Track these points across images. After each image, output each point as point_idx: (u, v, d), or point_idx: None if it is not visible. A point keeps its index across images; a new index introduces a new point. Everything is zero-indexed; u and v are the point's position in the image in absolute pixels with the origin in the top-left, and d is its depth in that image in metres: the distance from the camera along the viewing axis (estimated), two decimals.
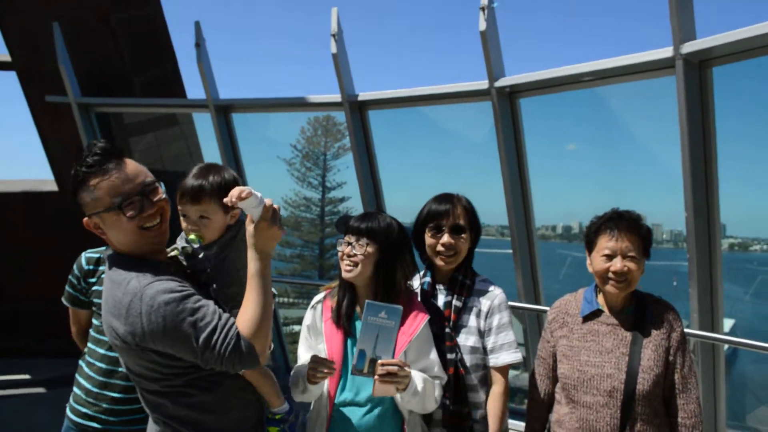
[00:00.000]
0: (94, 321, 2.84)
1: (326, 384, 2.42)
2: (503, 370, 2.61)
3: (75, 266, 2.91)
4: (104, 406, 2.73)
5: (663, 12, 4.12)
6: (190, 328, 1.89)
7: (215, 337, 1.90)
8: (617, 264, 2.47)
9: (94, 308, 2.85)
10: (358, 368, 2.26)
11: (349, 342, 2.45)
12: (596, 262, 2.53)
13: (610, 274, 2.48)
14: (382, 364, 2.22)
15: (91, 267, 2.87)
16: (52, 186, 8.15)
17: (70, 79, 7.20)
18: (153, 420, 2.12)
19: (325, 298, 2.58)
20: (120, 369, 2.72)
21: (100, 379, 2.75)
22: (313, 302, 2.61)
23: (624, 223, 2.50)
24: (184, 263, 2.23)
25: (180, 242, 2.28)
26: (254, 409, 2.23)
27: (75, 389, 2.82)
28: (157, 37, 7.85)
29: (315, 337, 2.53)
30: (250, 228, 1.98)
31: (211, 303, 1.97)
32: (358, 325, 2.39)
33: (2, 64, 8.13)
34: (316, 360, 2.30)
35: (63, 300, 2.96)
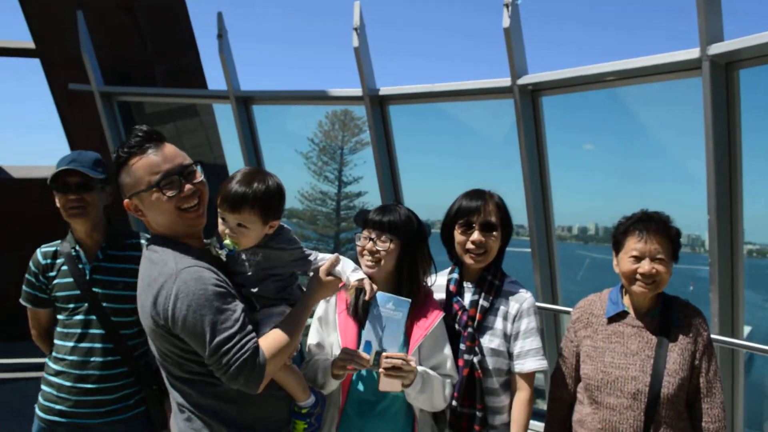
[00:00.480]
0: (60, 316, 2.80)
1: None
2: (529, 377, 2.54)
3: (31, 264, 2.85)
4: (78, 399, 2.72)
5: (690, 12, 4.08)
6: (208, 327, 1.89)
7: (229, 345, 1.91)
8: (645, 266, 2.43)
9: (58, 304, 2.80)
10: None
11: (362, 334, 2.39)
12: (624, 263, 2.49)
13: (638, 276, 2.45)
14: (387, 357, 2.19)
15: (49, 261, 2.83)
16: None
17: (92, 67, 7.26)
18: (177, 408, 2.11)
19: (339, 290, 2.54)
20: (93, 359, 2.73)
21: (74, 372, 2.73)
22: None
23: (653, 224, 2.47)
24: (221, 257, 2.20)
25: (214, 241, 2.24)
26: (280, 407, 2.20)
27: (44, 387, 2.80)
28: (179, 28, 7.89)
29: (326, 328, 2.50)
30: (323, 278, 2.17)
31: (239, 309, 1.97)
32: None
33: (26, 51, 8.22)
34: (348, 352, 2.26)
35: (21, 301, 2.89)
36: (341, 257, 2.21)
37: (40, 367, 2.88)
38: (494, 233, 2.56)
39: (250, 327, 1.98)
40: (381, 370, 2.20)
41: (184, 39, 7.98)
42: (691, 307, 2.55)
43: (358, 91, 6.04)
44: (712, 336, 3.61)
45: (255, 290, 2.15)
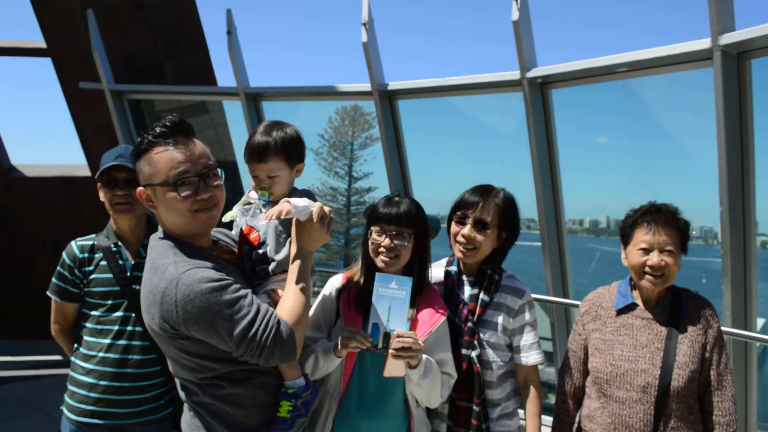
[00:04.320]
0: (93, 312, 2.75)
1: (340, 368, 2.37)
2: (534, 369, 2.58)
3: (66, 256, 2.80)
4: (113, 398, 2.67)
5: (701, 2, 4.04)
6: (226, 322, 1.89)
7: (255, 327, 1.91)
8: (654, 258, 2.42)
9: (92, 299, 2.76)
10: (373, 344, 2.21)
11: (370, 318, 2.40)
12: (632, 255, 2.48)
13: (647, 269, 2.44)
14: (398, 336, 2.18)
15: (86, 255, 2.78)
16: (85, 171, 8.30)
17: (103, 66, 7.30)
18: (187, 406, 2.13)
19: (344, 286, 2.50)
20: (130, 357, 2.69)
21: (110, 370, 2.68)
22: (333, 284, 2.54)
23: (662, 216, 2.45)
24: (260, 208, 2.23)
25: (251, 196, 2.30)
26: None
27: (74, 388, 2.74)
28: (189, 25, 7.92)
29: (327, 313, 2.47)
30: (296, 227, 2.09)
31: (249, 293, 1.97)
32: None
33: (38, 50, 8.28)
34: (352, 330, 2.25)
35: (49, 293, 2.84)
36: (288, 200, 2.09)
37: (58, 364, 2.86)
38: (487, 231, 2.52)
39: (264, 306, 1.98)
40: (391, 351, 2.19)
41: (194, 36, 8.00)
42: (701, 299, 2.53)
43: (367, 87, 6.04)
44: (725, 329, 3.60)
45: (279, 257, 2.20)
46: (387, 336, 2.21)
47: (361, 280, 2.43)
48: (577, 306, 2.79)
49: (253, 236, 2.27)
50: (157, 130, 2.00)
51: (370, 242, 2.39)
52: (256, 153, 2.27)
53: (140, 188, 2.05)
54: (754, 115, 4.16)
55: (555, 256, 5.40)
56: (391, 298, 2.22)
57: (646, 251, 2.44)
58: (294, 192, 2.33)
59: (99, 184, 2.78)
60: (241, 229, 2.31)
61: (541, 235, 5.38)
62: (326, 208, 2.12)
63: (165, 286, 1.91)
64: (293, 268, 2.08)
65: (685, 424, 2.41)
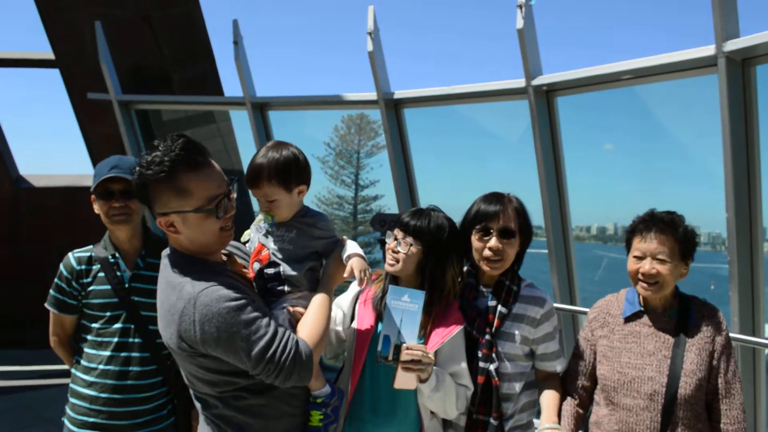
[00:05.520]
0: (92, 324, 2.73)
1: (348, 372, 2.39)
2: (557, 377, 2.62)
3: (63, 269, 2.77)
4: (114, 410, 2.65)
5: (706, 8, 4.05)
6: (243, 342, 1.88)
7: (273, 348, 1.91)
8: (646, 266, 2.44)
9: (90, 311, 2.73)
10: (383, 355, 2.22)
11: (379, 326, 2.39)
12: (629, 262, 2.51)
13: (640, 276, 2.46)
14: (407, 348, 2.19)
15: (84, 267, 2.75)
16: (91, 181, 8.34)
17: (111, 77, 7.36)
18: (204, 419, 2.12)
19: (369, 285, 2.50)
20: (131, 368, 2.68)
21: (110, 382, 2.66)
22: (353, 287, 2.59)
23: (657, 224, 2.46)
24: (268, 230, 2.30)
25: (259, 218, 2.35)
26: (301, 427, 2.20)
27: (74, 400, 2.72)
28: (195, 36, 7.98)
29: (337, 311, 2.53)
30: (337, 265, 2.22)
31: (266, 312, 1.99)
32: None
33: (46, 62, 8.35)
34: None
35: (47, 305, 2.80)
36: (347, 240, 2.27)
37: (67, 374, 2.85)
38: (512, 240, 2.48)
39: (282, 327, 1.99)
40: (400, 363, 2.19)
41: (200, 47, 8.06)
42: (709, 306, 2.52)
43: (372, 95, 6.07)
44: (733, 335, 3.60)
45: (293, 273, 2.22)
46: (398, 348, 2.21)
47: (386, 283, 2.46)
48: (583, 313, 2.80)
49: (263, 254, 2.28)
50: (176, 155, 1.89)
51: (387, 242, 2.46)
52: (250, 178, 2.24)
53: (162, 217, 1.95)
54: (759, 122, 4.15)
55: (562, 263, 5.39)
56: (403, 311, 2.23)
57: (640, 259, 2.46)
58: (307, 213, 2.33)
59: (93, 197, 2.74)
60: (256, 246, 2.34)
61: (548, 242, 5.38)
62: (367, 271, 2.20)
63: (183, 306, 1.89)
64: (322, 297, 2.15)
65: (692, 431, 2.40)
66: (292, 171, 2.22)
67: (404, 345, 2.20)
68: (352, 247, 2.24)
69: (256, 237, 2.31)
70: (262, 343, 1.89)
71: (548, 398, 2.56)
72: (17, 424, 5.72)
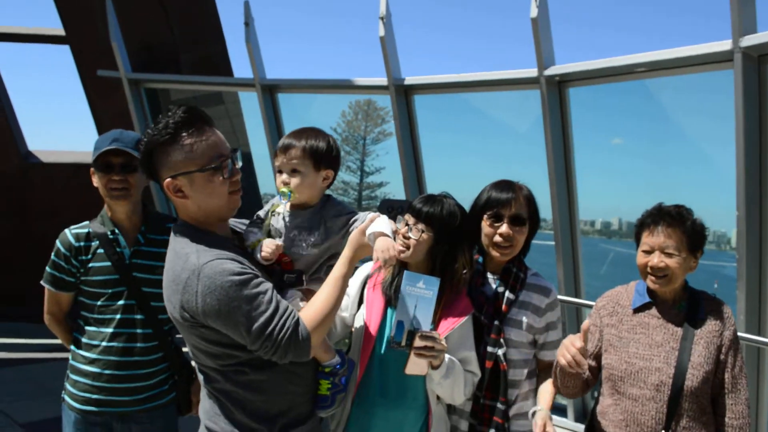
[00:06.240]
0: (92, 301, 2.69)
1: (358, 353, 2.38)
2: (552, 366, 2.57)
3: (60, 246, 2.71)
4: (117, 386, 2.65)
5: (723, 3, 4.01)
6: (243, 317, 1.89)
7: (272, 325, 1.91)
8: (654, 259, 2.43)
9: (89, 288, 2.70)
10: (396, 340, 2.20)
11: (388, 311, 2.40)
12: (638, 256, 2.51)
13: (648, 269, 2.46)
14: (421, 336, 2.17)
15: (82, 243, 2.70)
16: None
17: (121, 55, 7.35)
18: (206, 392, 2.13)
19: (378, 270, 2.51)
20: (133, 345, 2.67)
21: (113, 359, 2.65)
22: (362, 271, 2.55)
23: (665, 218, 2.45)
24: (283, 207, 2.28)
25: (274, 199, 2.32)
26: (307, 401, 2.20)
27: (75, 377, 2.70)
28: (206, 16, 7.96)
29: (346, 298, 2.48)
30: (360, 237, 2.12)
31: (269, 288, 1.97)
32: None
33: (57, 38, 8.34)
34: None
35: (43, 282, 2.77)
36: (379, 215, 2.17)
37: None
38: (523, 227, 2.50)
39: (284, 303, 1.97)
40: (413, 349, 2.18)
41: (211, 27, 8.04)
42: (718, 301, 2.52)
43: (383, 81, 6.04)
44: (739, 334, 3.57)
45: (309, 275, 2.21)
46: (411, 334, 2.20)
47: (395, 269, 2.42)
48: (588, 306, 2.78)
49: (285, 260, 2.24)
50: (179, 117, 1.95)
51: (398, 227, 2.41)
52: (283, 144, 2.25)
53: (168, 180, 1.97)
54: None
55: (568, 256, 5.38)
56: (418, 296, 2.21)
57: (648, 253, 2.46)
58: (329, 201, 2.33)
59: (92, 169, 2.70)
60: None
61: (555, 235, 5.37)
62: (390, 251, 2.08)
63: (187, 277, 1.91)
64: (338, 275, 2.09)
65: (697, 424, 2.40)
66: (326, 152, 2.25)
67: (418, 331, 2.19)
68: (380, 224, 2.14)
69: (274, 227, 2.29)
70: (261, 319, 1.90)
71: (544, 389, 2.54)
72: (21, 396, 5.81)
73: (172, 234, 2.08)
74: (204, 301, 1.88)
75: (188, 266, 1.92)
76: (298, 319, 1.97)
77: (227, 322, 1.90)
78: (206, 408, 2.12)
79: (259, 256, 2.15)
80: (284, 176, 2.24)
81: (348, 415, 2.39)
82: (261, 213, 2.38)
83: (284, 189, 2.22)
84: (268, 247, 2.15)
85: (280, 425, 2.10)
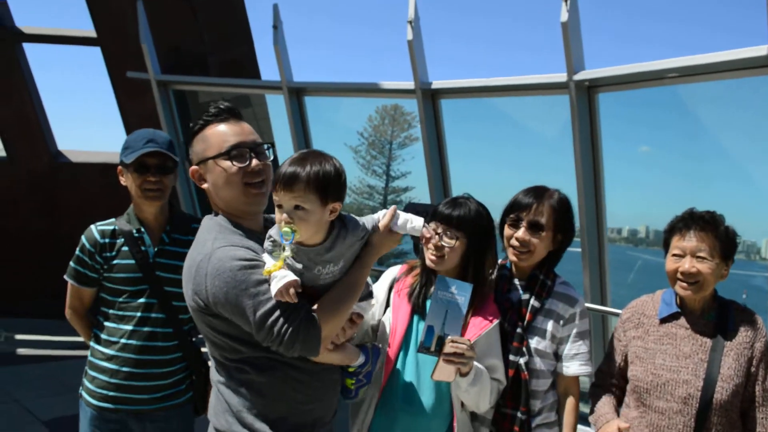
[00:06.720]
0: (114, 298, 2.70)
1: (382, 360, 2.34)
2: (574, 380, 2.49)
3: (86, 241, 2.72)
4: (135, 384, 2.64)
5: (760, 7, 3.91)
6: (250, 300, 1.86)
7: (278, 313, 1.86)
8: (685, 264, 2.36)
9: (112, 285, 2.70)
10: (425, 345, 2.17)
11: (415, 318, 2.38)
12: (668, 262, 2.44)
13: (679, 275, 2.38)
14: (452, 341, 2.14)
15: (107, 240, 2.71)
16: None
17: (151, 56, 7.44)
18: (215, 386, 2.13)
19: (405, 274, 2.49)
20: (152, 343, 2.67)
21: (132, 357, 2.65)
22: (389, 275, 2.52)
23: (698, 222, 2.39)
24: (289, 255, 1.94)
25: (273, 232, 1.98)
26: (309, 410, 2.11)
27: (94, 373, 2.70)
28: (235, 19, 8.02)
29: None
30: (386, 234, 2.09)
31: None
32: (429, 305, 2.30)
33: (88, 39, 8.46)
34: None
35: (66, 277, 2.78)
36: (398, 210, 2.10)
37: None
38: (542, 233, 2.44)
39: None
40: (443, 355, 2.15)
41: (239, 30, 8.09)
42: (749, 312, 2.45)
43: (410, 84, 6.02)
44: None
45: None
46: (440, 340, 2.17)
47: (422, 277, 2.41)
48: (614, 314, 2.73)
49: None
50: (210, 111, 2.10)
51: (423, 236, 2.33)
52: (282, 180, 1.89)
53: (193, 167, 2.10)
54: None
55: (594, 263, 5.30)
56: (449, 302, 2.19)
57: (679, 257, 2.39)
58: (340, 222, 2.03)
59: (121, 168, 2.71)
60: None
61: (582, 242, 5.29)
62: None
63: (200, 260, 1.95)
64: (353, 272, 2.04)
65: None
66: (333, 182, 1.92)
67: (448, 337, 2.16)
68: (407, 217, 2.10)
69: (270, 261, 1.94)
70: (268, 305, 1.86)
71: (566, 422, 2.49)
72: (48, 392, 5.92)
73: (201, 224, 2.13)
74: (213, 283, 1.89)
75: (203, 250, 1.96)
76: (308, 310, 1.92)
77: (234, 307, 1.88)
78: (213, 404, 2.13)
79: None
80: (285, 216, 1.90)
81: (371, 421, 2.37)
82: (273, 233, 2.00)
83: (286, 228, 1.88)
84: (283, 293, 1.86)
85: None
